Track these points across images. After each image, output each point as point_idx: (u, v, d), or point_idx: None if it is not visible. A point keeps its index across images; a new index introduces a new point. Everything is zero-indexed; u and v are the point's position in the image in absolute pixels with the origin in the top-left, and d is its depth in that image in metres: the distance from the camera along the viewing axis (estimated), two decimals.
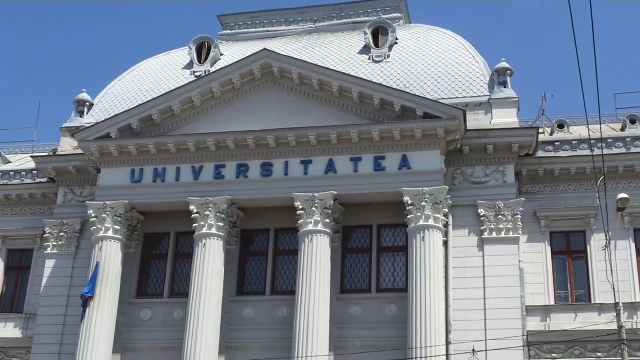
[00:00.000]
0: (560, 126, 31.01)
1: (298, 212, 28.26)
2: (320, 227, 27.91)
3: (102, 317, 28.48)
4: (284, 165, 29.08)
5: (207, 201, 28.95)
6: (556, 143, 29.71)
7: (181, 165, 29.87)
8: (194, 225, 29.07)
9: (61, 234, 31.13)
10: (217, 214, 28.89)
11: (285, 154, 29.13)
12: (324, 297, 27.19)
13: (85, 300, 28.61)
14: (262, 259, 30.13)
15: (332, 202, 28.13)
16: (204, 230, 28.81)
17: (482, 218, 27.90)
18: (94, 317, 28.39)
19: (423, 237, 27.00)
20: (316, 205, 28.00)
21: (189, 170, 29.75)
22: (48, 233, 31.20)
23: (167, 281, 30.44)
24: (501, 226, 27.74)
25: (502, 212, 27.80)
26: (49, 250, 31.08)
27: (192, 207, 29.11)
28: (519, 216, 27.84)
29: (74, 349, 28.52)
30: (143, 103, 30.81)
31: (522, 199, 28.24)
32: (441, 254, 27.22)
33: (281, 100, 29.94)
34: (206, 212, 28.89)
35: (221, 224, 28.95)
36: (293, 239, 29.51)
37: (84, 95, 34.02)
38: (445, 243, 27.68)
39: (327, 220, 28.07)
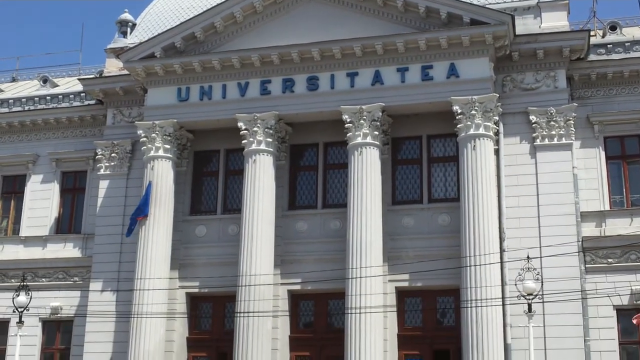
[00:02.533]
0: (613, 28, 30.16)
1: (346, 125, 28.15)
2: (369, 139, 27.83)
3: (158, 235, 29.01)
4: (330, 79, 28.83)
5: (255, 117, 28.97)
6: (609, 46, 28.92)
7: (227, 83, 29.81)
8: (243, 142, 29.19)
9: (113, 155, 31.50)
10: (266, 129, 28.94)
11: (331, 67, 28.84)
12: (376, 209, 27.32)
13: (139, 221, 29.12)
14: (313, 174, 30.25)
15: (380, 114, 27.95)
16: (253, 146, 28.93)
17: (533, 125, 27.53)
18: (150, 236, 28.94)
19: (474, 146, 26.81)
20: (364, 117, 27.86)
21: (235, 87, 29.68)
22: (100, 155, 31.58)
23: (220, 198, 30.78)
24: (553, 132, 27.38)
25: (554, 119, 27.39)
26: (102, 172, 31.52)
27: (240, 124, 29.19)
28: (572, 122, 27.40)
29: (132, 266, 29.20)
30: (185, 21, 30.58)
31: (574, 104, 27.74)
32: (493, 163, 27.03)
33: (324, 13, 29.47)
34: (254, 129, 28.96)
35: (270, 139, 29.03)
36: (342, 153, 29.51)
37: (126, 16, 33.91)
38: (497, 152, 27.46)
39: (376, 133, 27.96)
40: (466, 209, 26.27)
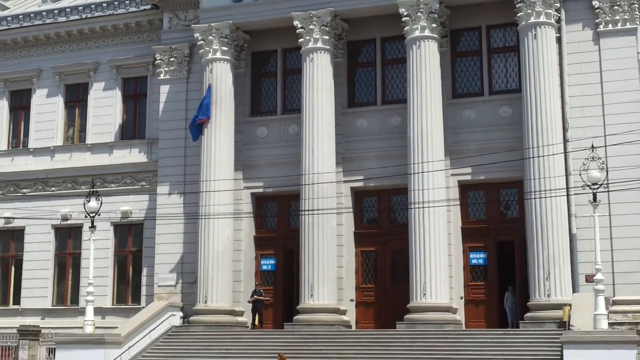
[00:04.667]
0: None
1: (403, 19, 27.73)
2: (427, 32, 27.42)
3: (221, 137, 29.39)
4: None
5: (310, 15, 28.72)
6: None
7: None
8: (299, 40, 29.04)
9: (171, 59, 31.63)
10: (322, 27, 28.69)
11: None
12: (436, 103, 27.16)
13: (201, 123, 29.45)
14: (371, 70, 30.03)
15: (438, 5, 27.42)
16: (310, 44, 28.78)
17: (596, 10, 26.68)
18: (213, 138, 29.35)
19: (535, 34, 26.23)
20: (421, 10, 27.38)
21: None
22: (159, 60, 31.74)
23: (279, 98, 30.87)
24: (617, 17, 26.51)
25: (617, 3, 26.47)
26: (162, 77, 31.75)
27: (296, 23, 28.98)
28: (637, 5, 26.47)
29: (197, 169, 29.76)
30: None
31: None
32: (555, 52, 26.50)
33: None
34: (310, 27, 28.74)
35: (327, 37, 28.80)
36: (400, 47, 29.18)
37: None
38: (559, 39, 26.82)
39: (434, 25, 27.49)
40: (528, 99, 25.92)
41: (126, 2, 33.71)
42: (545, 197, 25.07)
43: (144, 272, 31.28)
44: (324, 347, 25.44)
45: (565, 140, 25.95)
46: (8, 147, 35.02)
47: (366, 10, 28.84)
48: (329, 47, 28.84)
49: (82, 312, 29.62)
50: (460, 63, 28.94)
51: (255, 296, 28.84)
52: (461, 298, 27.29)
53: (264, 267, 30.04)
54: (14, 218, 33.44)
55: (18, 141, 35.10)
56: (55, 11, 34.79)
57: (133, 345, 26.81)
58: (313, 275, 27.25)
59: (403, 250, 27.39)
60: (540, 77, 25.86)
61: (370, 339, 25.71)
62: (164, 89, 31.73)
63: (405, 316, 26.18)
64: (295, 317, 27.40)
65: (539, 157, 25.26)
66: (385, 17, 28.88)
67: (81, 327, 27.69)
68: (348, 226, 28.91)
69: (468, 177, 27.71)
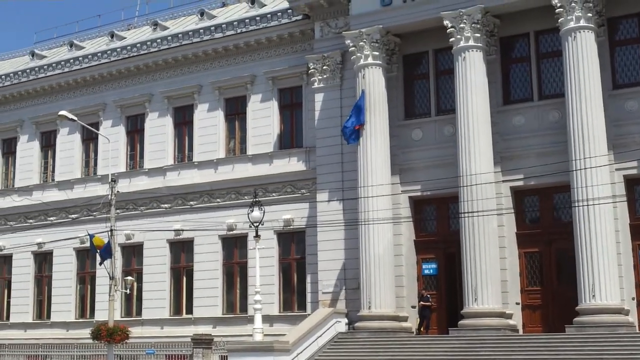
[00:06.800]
0: None
1: (557, 10, 26.86)
2: (582, 22, 26.45)
3: (377, 142, 29.47)
4: None
5: (461, 14, 28.32)
6: None
7: None
8: (450, 40, 28.71)
9: (324, 67, 32.02)
10: (473, 25, 28.22)
11: None
12: (596, 96, 26.17)
13: (356, 129, 29.63)
14: (526, 65, 29.26)
15: None
16: (462, 43, 28.39)
17: None
18: (368, 143, 29.48)
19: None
20: (576, 0, 26.40)
21: None
22: (312, 68, 32.22)
23: (433, 100, 30.63)
24: None
25: None
26: (316, 85, 32.19)
27: (446, 22, 28.67)
28: None
29: (354, 175, 29.99)
30: None
31: None
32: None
33: None
34: (461, 25, 28.34)
35: (478, 35, 28.31)
36: (555, 40, 28.26)
37: None
38: None
39: (590, 15, 26.49)
40: None
41: (278, 14, 34.45)
42: None
43: (308, 279, 31.86)
44: (491, 352, 25.04)
45: None
46: (174, 162, 36.56)
47: (517, 4, 28.13)
48: (480, 44, 28.33)
49: (251, 320, 30.50)
50: (620, 52, 27.69)
51: (422, 302, 28.82)
52: (633, 299, 26.11)
53: (426, 272, 29.88)
54: (183, 230, 34.92)
55: (183, 155, 36.55)
56: (212, 28, 36.03)
57: (301, 352, 27.30)
58: (476, 279, 26.86)
59: (568, 250, 26.53)
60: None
61: (538, 343, 25.14)
62: (319, 97, 32.16)
63: (575, 319, 25.31)
64: (460, 322, 27.09)
65: None
66: (537, 9, 28.05)
67: (250, 335, 28.52)
68: (509, 227, 28.29)
69: (634, 172, 26.46)
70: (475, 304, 26.79)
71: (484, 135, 27.78)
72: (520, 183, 28.26)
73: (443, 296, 29.58)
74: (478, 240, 27.03)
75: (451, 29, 28.55)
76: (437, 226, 30.31)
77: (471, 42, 28.24)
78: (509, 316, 27.27)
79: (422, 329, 28.91)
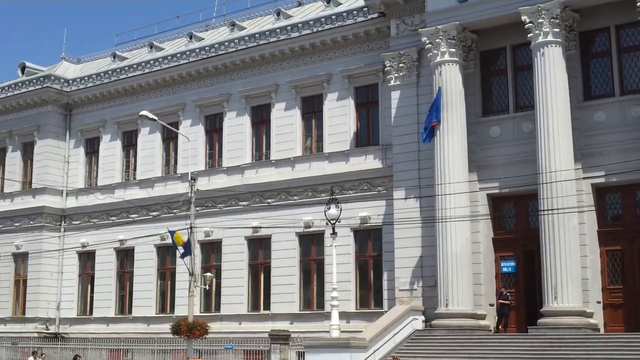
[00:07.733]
0: None
1: (638, 3, 26.25)
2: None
3: (454, 139, 29.31)
4: None
5: (539, 8, 27.95)
6: None
7: None
8: (529, 35, 28.35)
9: (400, 65, 31.99)
10: (551, 20, 27.82)
11: None
12: None
13: (433, 127, 29.52)
14: (606, 60, 28.72)
15: None
16: (540, 39, 28.01)
17: None
18: (445, 141, 29.34)
19: None
20: None
21: None
22: (389, 66, 32.21)
23: (511, 96, 30.30)
24: None
25: None
26: (392, 83, 32.19)
27: (524, 17, 28.33)
28: None
29: (431, 173, 29.88)
30: None
31: None
32: None
33: None
34: (539, 20, 27.97)
35: (557, 29, 27.89)
36: (637, 33, 27.67)
37: None
38: None
39: None
40: None
41: (354, 12, 34.55)
42: None
43: (385, 276, 31.87)
44: (571, 351, 24.65)
45: None
46: (252, 160, 37.00)
47: None
48: (559, 39, 27.91)
49: (327, 316, 30.67)
50: None
51: (501, 300, 28.57)
52: None
53: (504, 270, 29.59)
54: (261, 227, 35.32)
55: (260, 154, 36.96)
56: (288, 27, 36.35)
57: (378, 349, 27.33)
58: (556, 277, 26.45)
59: None
60: None
61: (620, 343, 24.62)
62: (395, 95, 32.14)
63: None
64: (540, 321, 26.71)
65: None
66: (618, 3, 27.53)
67: (327, 331, 28.69)
68: (590, 225, 27.79)
69: None
70: (555, 302, 26.40)
71: (564, 131, 27.35)
72: (602, 180, 27.75)
73: (522, 294, 29.24)
74: (558, 238, 26.61)
75: (529, 25, 28.20)
76: (516, 224, 29.98)
77: (550, 37, 27.84)
78: (590, 315, 26.79)
79: (500, 327, 28.65)
